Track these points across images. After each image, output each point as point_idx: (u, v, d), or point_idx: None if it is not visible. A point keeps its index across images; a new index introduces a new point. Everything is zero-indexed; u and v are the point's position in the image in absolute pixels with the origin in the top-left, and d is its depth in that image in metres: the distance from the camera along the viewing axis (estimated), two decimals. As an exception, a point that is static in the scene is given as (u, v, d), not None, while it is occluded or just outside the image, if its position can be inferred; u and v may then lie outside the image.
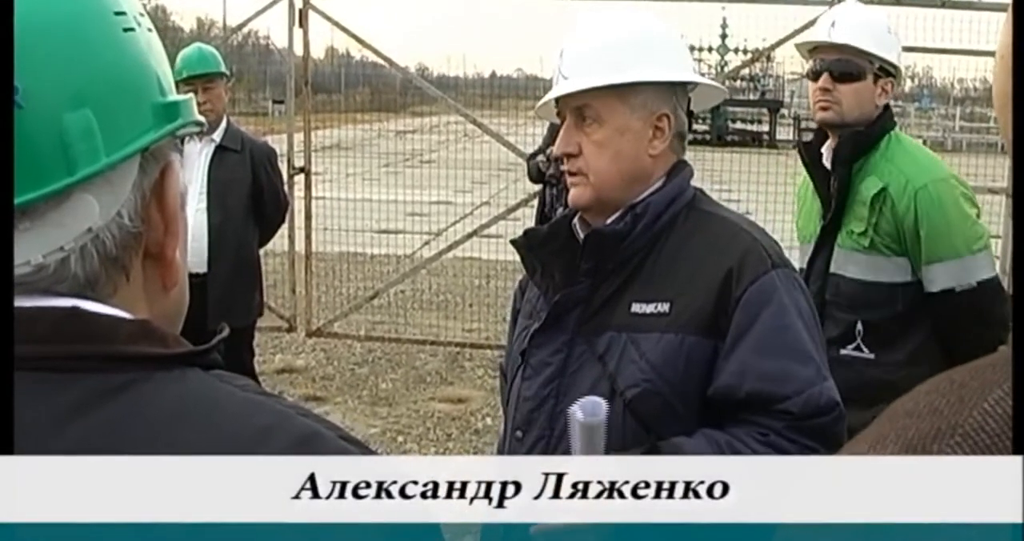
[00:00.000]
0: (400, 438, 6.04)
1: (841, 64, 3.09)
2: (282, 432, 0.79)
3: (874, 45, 3.06)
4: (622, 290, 1.95)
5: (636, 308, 1.93)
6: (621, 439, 1.87)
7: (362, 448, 0.83)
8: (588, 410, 1.75)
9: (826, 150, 3.19)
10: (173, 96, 0.85)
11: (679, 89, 2.01)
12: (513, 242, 2.13)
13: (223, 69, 5.20)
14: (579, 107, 1.96)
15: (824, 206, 3.17)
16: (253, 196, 5.20)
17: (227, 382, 0.83)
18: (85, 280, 0.79)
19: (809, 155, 3.23)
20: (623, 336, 1.92)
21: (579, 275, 1.98)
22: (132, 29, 0.82)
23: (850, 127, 3.08)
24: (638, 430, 1.89)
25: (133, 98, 0.81)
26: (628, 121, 1.95)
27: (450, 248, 8.00)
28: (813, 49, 3.19)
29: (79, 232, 0.78)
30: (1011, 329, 0.62)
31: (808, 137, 3.39)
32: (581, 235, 2.04)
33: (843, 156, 3.08)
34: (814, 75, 3.14)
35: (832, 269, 3.11)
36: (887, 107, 3.16)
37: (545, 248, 2.06)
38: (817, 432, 1.83)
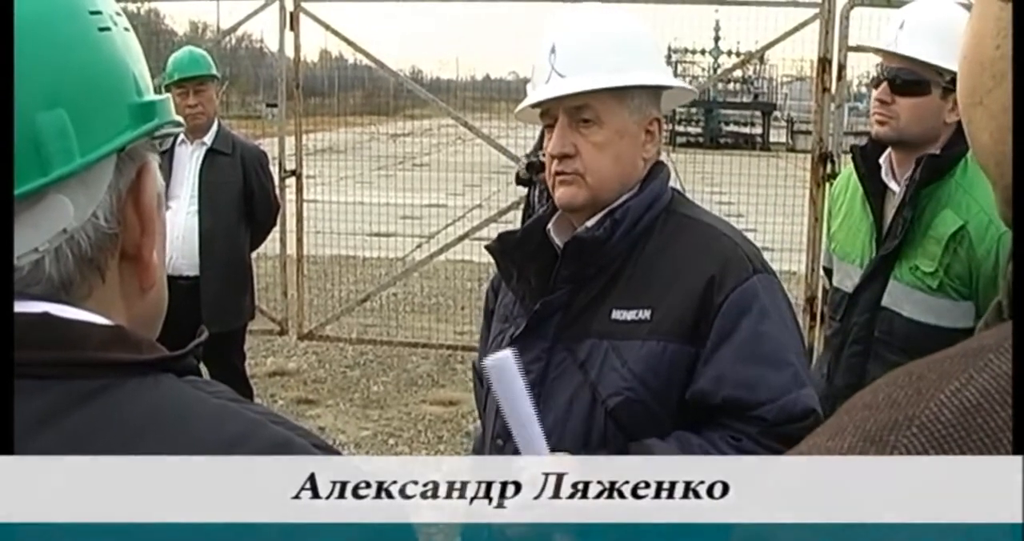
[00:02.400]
0: (391, 441, 6.03)
1: (903, 74, 2.73)
2: (254, 440, 0.78)
3: (944, 55, 2.64)
4: (602, 296, 1.93)
5: (617, 315, 1.91)
6: (603, 445, 1.87)
7: (335, 456, 0.82)
8: (492, 357, 1.77)
9: (884, 162, 2.86)
10: (150, 96, 0.84)
11: (660, 93, 2.02)
12: (488, 247, 2.10)
13: (214, 72, 5.20)
14: (577, 107, 1.92)
15: (878, 226, 2.85)
16: (244, 199, 5.21)
17: (200, 389, 0.81)
18: (60, 282, 0.79)
19: (865, 165, 2.89)
20: (604, 343, 1.91)
21: (558, 282, 1.96)
22: (108, 28, 0.81)
23: (911, 146, 2.76)
24: (619, 437, 1.89)
25: (109, 98, 0.80)
26: (626, 124, 1.94)
27: (442, 251, 8.00)
28: (877, 49, 2.84)
29: (53, 233, 0.77)
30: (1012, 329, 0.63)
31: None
32: (556, 239, 2.02)
33: (919, 183, 2.71)
34: (875, 83, 2.81)
35: (884, 303, 2.79)
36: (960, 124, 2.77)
37: (518, 252, 2.04)
38: (790, 439, 1.81)
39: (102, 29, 0.81)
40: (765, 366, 1.85)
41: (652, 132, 1.98)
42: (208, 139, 5.12)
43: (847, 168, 3.13)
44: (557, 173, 1.96)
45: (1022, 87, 0.63)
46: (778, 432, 1.82)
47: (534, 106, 1.99)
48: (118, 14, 0.84)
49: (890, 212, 2.85)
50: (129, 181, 0.82)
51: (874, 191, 2.88)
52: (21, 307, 0.76)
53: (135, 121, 0.82)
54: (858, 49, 3.24)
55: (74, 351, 0.76)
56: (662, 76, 1.99)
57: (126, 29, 0.84)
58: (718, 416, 1.86)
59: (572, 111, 1.93)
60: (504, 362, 1.74)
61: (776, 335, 1.87)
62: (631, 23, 2.02)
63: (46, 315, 0.77)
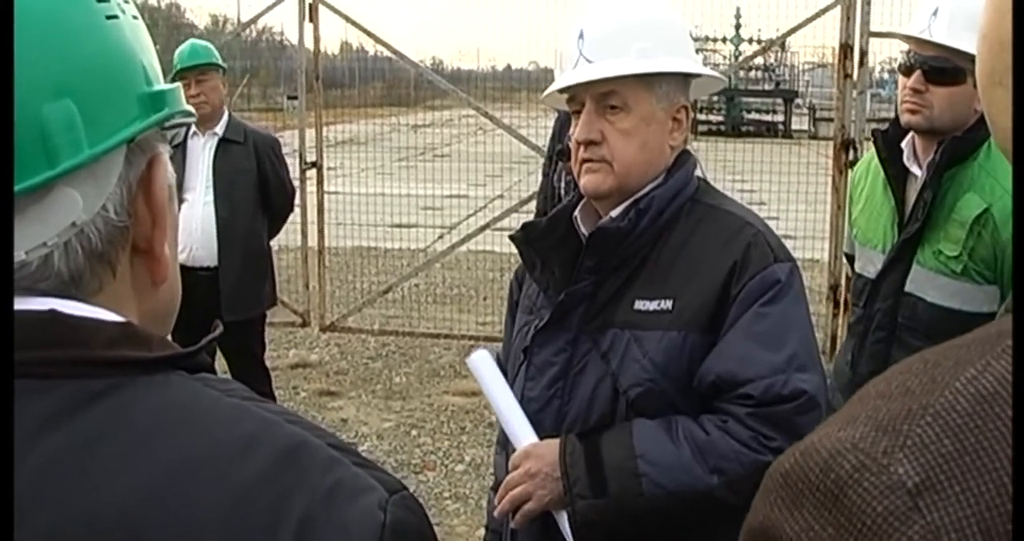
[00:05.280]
0: (414, 432, 6.04)
1: (938, 63, 2.70)
2: (268, 440, 0.75)
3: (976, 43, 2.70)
4: (626, 287, 1.92)
5: (639, 305, 1.89)
6: None
7: (353, 456, 0.79)
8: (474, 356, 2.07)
9: (906, 147, 2.84)
10: (160, 85, 0.82)
11: (690, 80, 1.99)
12: (512, 237, 2.08)
13: (216, 60, 5.18)
14: (604, 93, 1.90)
15: (899, 211, 2.83)
16: (259, 187, 5.22)
17: (212, 387, 0.79)
18: (69, 277, 0.76)
19: (887, 150, 2.86)
20: (626, 333, 1.89)
21: (582, 273, 1.94)
22: (116, 16, 0.79)
23: (939, 133, 2.72)
24: None
25: (117, 87, 0.78)
26: (653, 110, 1.92)
27: (464, 241, 7.99)
28: (909, 36, 2.79)
29: (62, 227, 0.75)
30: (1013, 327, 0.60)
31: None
32: (583, 228, 2.00)
33: (940, 167, 2.69)
34: (905, 70, 2.76)
35: (908, 288, 2.76)
36: None
37: (544, 242, 2.02)
38: (776, 421, 1.79)
39: (110, 17, 0.79)
40: (758, 344, 1.82)
41: (679, 120, 1.96)
42: (219, 129, 5.13)
43: (868, 153, 3.10)
44: (584, 160, 1.94)
45: (1022, 82, 0.61)
46: (764, 413, 1.79)
47: (561, 91, 1.97)
48: (126, 2, 0.82)
49: (912, 197, 2.82)
50: (139, 173, 0.80)
51: (896, 176, 2.85)
52: (29, 304, 0.74)
53: (144, 111, 0.79)
54: (887, 35, 3.16)
55: (81, 349, 0.74)
56: (690, 63, 1.97)
57: (134, 17, 0.82)
58: (716, 399, 1.84)
59: (599, 97, 1.91)
60: (478, 360, 2.00)
61: (779, 317, 1.83)
62: (661, 9, 2.00)
63: (53, 312, 0.74)
